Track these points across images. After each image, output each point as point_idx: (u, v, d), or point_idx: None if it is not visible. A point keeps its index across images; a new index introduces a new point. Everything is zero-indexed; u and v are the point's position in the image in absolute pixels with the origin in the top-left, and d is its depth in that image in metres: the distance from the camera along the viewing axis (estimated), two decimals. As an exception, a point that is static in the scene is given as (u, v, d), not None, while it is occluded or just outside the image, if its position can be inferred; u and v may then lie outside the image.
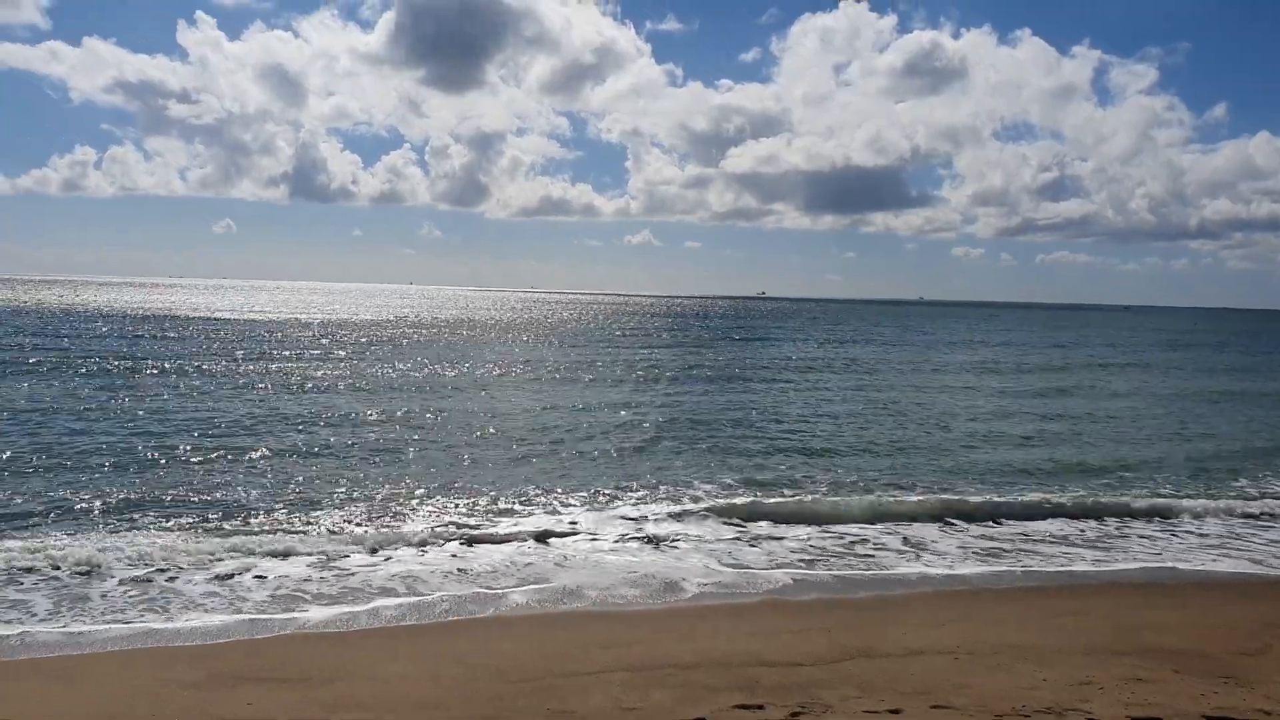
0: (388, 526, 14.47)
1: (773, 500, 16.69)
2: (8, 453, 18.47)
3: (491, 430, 23.68)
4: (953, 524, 15.88)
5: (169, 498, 15.70)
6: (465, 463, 19.51)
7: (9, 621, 10.28)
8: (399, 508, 15.62)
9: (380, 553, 13.11)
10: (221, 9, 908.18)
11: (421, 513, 15.35)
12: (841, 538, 14.81)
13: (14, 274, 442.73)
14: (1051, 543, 14.92)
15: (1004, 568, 13.55)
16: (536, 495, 16.71)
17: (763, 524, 15.34)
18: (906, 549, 14.33)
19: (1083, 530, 15.74)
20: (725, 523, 15.33)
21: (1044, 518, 16.39)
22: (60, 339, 49.21)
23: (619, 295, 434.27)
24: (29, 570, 11.84)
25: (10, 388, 28.32)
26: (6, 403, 24.98)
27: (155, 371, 34.57)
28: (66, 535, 13.32)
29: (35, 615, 10.48)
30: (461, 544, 13.65)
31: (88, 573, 11.82)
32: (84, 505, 14.99)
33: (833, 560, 13.59)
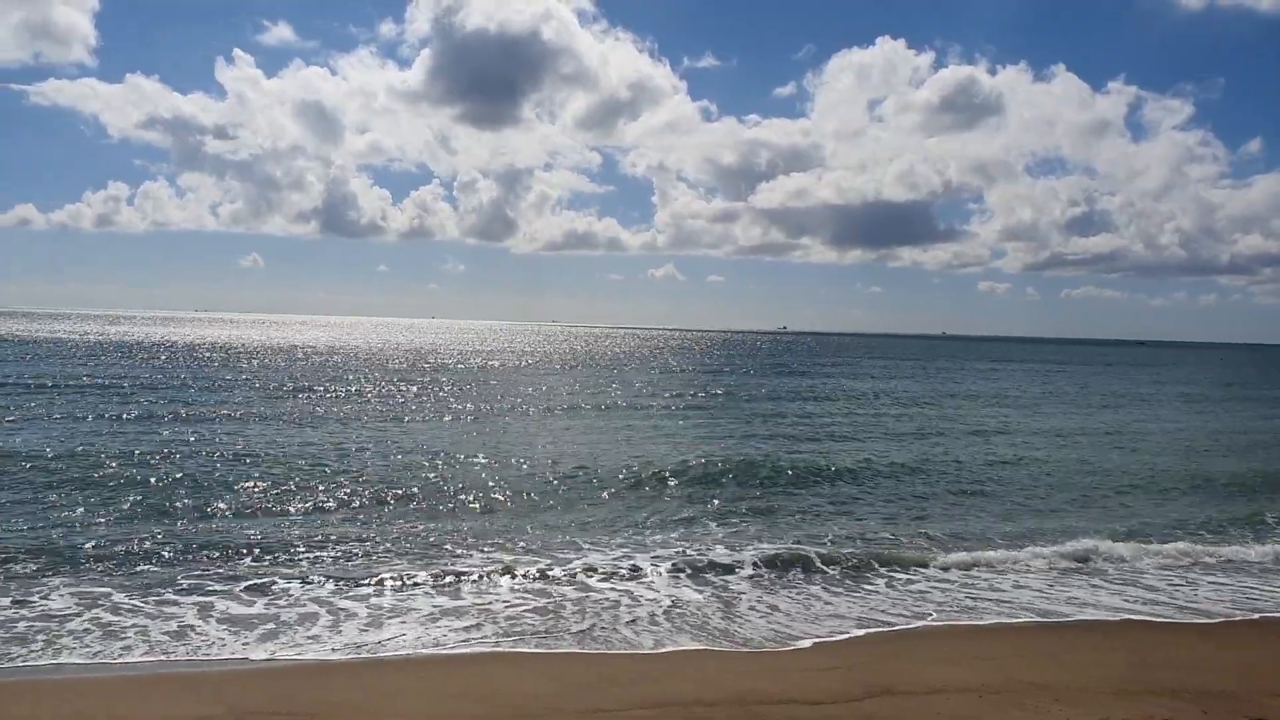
0: (407, 562, 14.52)
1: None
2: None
3: (512, 473, 23.72)
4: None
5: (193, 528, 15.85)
6: (482, 505, 19.55)
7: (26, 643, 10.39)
8: (423, 545, 15.64)
9: (398, 587, 13.14)
10: (263, 46, 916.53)
11: (437, 548, 15.36)
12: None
13: (44, 308, 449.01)
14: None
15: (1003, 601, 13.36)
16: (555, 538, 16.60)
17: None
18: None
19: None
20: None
21: None
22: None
23: (639, 329, 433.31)
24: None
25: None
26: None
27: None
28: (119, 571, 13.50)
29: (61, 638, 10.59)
30: (482, 581, 13.64)
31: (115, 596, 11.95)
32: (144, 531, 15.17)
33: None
